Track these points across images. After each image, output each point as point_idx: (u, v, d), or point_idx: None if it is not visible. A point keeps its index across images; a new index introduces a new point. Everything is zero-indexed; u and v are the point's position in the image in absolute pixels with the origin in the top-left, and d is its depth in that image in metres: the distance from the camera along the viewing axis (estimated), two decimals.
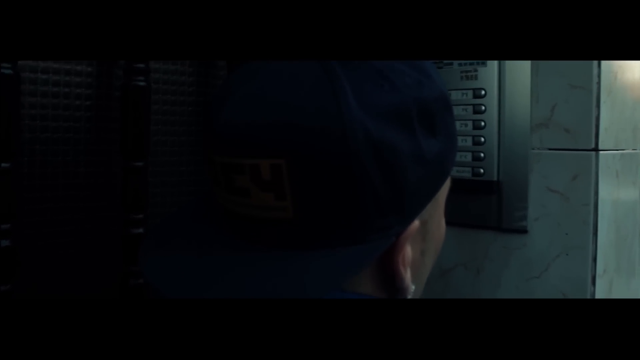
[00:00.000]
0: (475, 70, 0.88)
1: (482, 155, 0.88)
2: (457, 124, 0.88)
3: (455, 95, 0.91)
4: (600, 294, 0.81)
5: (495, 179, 0.87)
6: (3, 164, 0.59)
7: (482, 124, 0.88)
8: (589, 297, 0.80)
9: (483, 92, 0.88)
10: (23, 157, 0.67)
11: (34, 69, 0.68)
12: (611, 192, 0.85)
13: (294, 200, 0.35)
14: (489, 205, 0.89)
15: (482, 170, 0.88)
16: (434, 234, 0.44)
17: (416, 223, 0.39)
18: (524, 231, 0.86)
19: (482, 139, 0.88)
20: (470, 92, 0.89)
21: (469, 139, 0.90)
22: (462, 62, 0.90)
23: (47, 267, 0.70)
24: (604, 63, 0.80)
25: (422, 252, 0.43)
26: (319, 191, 0.35)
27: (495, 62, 0.86)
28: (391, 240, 0.38)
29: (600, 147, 0.80)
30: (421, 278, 0.45)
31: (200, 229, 0.42)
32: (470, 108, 0.89)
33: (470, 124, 0.90)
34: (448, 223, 0.94)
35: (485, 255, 0.91)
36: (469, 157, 0.90)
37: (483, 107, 0.88)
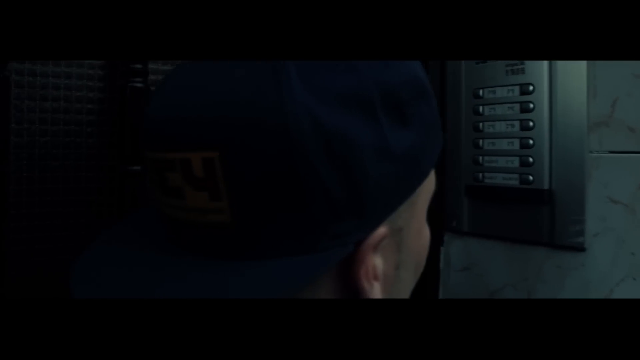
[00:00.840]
0: (522, 63, 0.77)
1: (530, 160, 0.77)
2: (503, 124, 0.79)
3: (500, 92, 0.80)
4: None
5: (546, 187, 0.75)
6: None
7: (531, 124, 0.76)
8: None
9: (531, 87, 0.76)
10: (22, 160, 0.67)
11: (32, 72, 0.68)
12: None
13: (230, 200, 0.30)
14: (539, 217, 0.77)
15: (531, 178, 0.77)
16: (411, 245, 0.37)
17: (382, 230, 0.33)
18: (581, 249, 0.73)
19: (531, 142, 0.77)
20: (516, 88, 0.78)
21: (516, 142, 0.79)
22: None
23: (43, 273, 0.69)
24: None
25: (397, 265, 0.36)
26: (258, 190, 0.30)
27: None
28: (348, 249, 0.32)
29: None
30: (397, 295, 0.38)
31: (148, 234, 0.38)
32: (517, 106, 0.78)
33: (517, 124, 0.78)
34: (496, 237, 0.84)
35: (537, 276, 0.79)
36: (516, 162, 0.79)
37: (531, 105, 0.76)
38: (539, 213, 0.77)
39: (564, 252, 0.76)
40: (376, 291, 0.34)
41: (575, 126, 0.73)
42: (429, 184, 0.38)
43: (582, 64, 0.72)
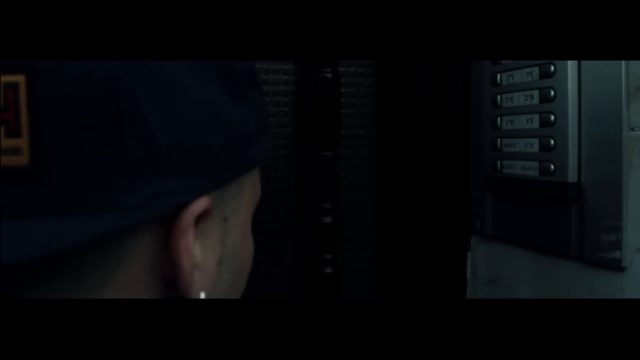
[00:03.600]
0: None
1: (551, 142, 0.56)
2: (522, 96, 0.60)
3: None
4: None
5: (570, 180, 0.55)
6: None
7: (552, 93, 0.56)
8: None
9: None
10: None
11: None
12: None
13: (32, 136, 0.25)
14: (565, 221, 0.57)
15: (552, 167, 0.56)
16: (236, 243, 0.34)
17: (206, 199, 0.29)
18: (618, 268, 0.52)
19: (552, 117, 0.56)
20: None
21: (535, 118, 0.58)
22: None
23: None
24: None
25: (220, 260, 0.32)
26: (69, 124, 0.25)
27: None
28: (168, 209, 0.27)
29: None
30: (216, 297, 0.33)
31: None
32: (536, 71, 0.58)
33: (536, 94, 0.58)
34: (521, 244, 0.64)
35: (567, 297, 0.59)
36: (535, 145, 0.59)
37: (552, 68, 0.56)
38: (564, 215, 0.57)
39: (598, 271, 0.55)
40: (195, 279, 0.29)
41: (609, 94, 0.51)
42: (253, 188, 0.36)
43: None
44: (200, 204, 0.29)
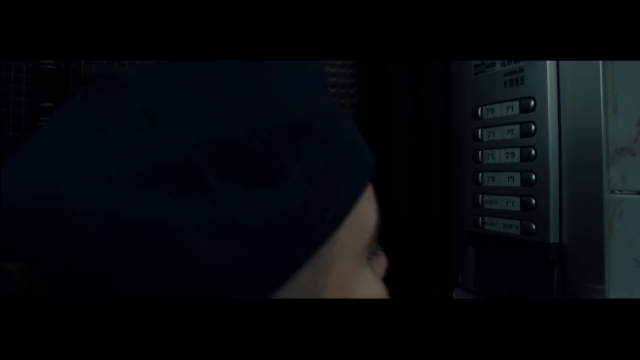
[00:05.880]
0: (521, 71, 0.57)
1: (532, 201, 0.56)
2: (503, 153, 0.59)
3: (499, 111, 0.61)
4: None
5: (552, 240, 0.54)
6: None
7: (532, 152, 0.56)
8: None
9: (532, 102, 0.56)
10: None
11: None
12: None
13: None
14: (546, 281, 0.56)
15: (533, 226, 0.56)
16: None
17: None
18: None
19: (533, 177, 0.56)
20: (516, 104, 0.58)
21: (517, 176, 0.58)
22: (506, 60, 0.59)
23: None
24: None
25: None
26: None
27: None
28: None
29: None
30: None
31: None
32: (516, 128, 0.58)
33: (517, 152, 0.58)
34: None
35: None
36: (517, 204, 0.58)
37: (532, 127, 0.56)
38: (546, 275, 0.56)
39: None
40: None
41: (590, 155, 0.51)
42: (354, 230, 0.30)
43: (597, 67, 0.50)
44: None
